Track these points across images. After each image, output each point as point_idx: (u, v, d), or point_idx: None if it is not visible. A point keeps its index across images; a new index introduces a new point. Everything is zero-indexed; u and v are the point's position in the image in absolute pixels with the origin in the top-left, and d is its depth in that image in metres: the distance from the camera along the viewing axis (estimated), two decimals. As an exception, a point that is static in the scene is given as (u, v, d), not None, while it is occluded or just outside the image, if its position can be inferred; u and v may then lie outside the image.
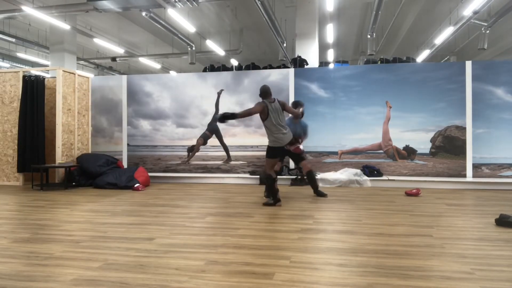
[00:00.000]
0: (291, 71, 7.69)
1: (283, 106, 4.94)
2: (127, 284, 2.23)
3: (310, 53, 10.27)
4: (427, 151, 7.12)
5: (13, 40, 13.46)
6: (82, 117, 7.65)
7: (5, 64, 17.61)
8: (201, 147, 8.01)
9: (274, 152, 4.89)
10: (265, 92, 4.84)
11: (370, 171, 7.00)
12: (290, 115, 5.61)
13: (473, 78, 6.93)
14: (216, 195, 5.86)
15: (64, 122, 7.09)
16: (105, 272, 2.43)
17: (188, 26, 12.08)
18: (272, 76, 7.75)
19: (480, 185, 6.50)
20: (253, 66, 8.39)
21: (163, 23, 11.07)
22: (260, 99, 4.88)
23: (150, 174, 7.43)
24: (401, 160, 7.21)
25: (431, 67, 7.18)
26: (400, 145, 7.22)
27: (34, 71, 9.81)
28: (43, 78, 7.38)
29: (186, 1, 8.36)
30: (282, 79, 7.68)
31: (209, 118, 7.99)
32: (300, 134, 5.76)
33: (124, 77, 8.39)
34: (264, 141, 7.85)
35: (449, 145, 7.03)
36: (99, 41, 13.96)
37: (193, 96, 8.05)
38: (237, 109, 7.86)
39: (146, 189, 6.60)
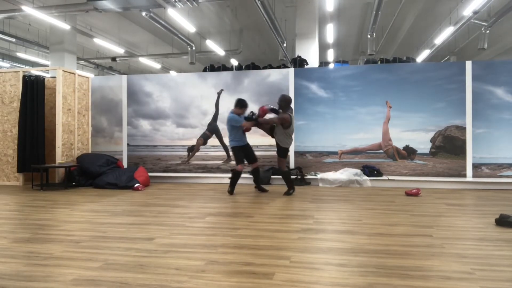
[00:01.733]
0: (291, 71, 7.69)
1: None
2: (127, 284, 2.23)
3: (310, 53, 10.27)
4: (427, 151, 7.12)
5: (13, 40, 13.46)
6: (82, 117, 7.65)
7: (5, 64, 17.61)
8: (201, 147, 8.01)
9: (287, 152, 5.72)
10: (289, 103, 5.62)
11: (370, 171, 7.00)
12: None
13: (473, 78, 6.93)
14: (216, 195, 5.86)
15: (64, 122, 7.09)
16: (105, 272, 2.43)
17: (188, 26, 12.07)
18: (272, 76, 7.75)
19: (480, 185, 6.50)
20: (253, 66, 8.38)
21: (163, 23, 11.07)
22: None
23: (150, 174, 7.43)
24: (401, 160, 7.21)
25: (431, 67, 7.17)
26: (400, 145, 7.22)
27: (34, 71, 9.81)
28: (43, 78, 7.38)
29: (186, 1, 8.36)
30: (282, 79, 7.68)
31: (209, 118, 7.99)
32: None
33: (124, 77, 8.39)
34: (264, 141, 7.85)
35: (449, 145, 7.03)
36: (99, 41, 13.96)
37: (193, 96, 8.05)
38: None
39: (146, 189, 6.60)
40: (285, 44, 12.97)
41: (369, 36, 11.87)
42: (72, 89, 7.35)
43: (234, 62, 16.48)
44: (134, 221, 3.95)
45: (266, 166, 7.56)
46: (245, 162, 5.93)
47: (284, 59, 14.11)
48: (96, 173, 6.88)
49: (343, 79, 7.44)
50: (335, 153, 7.45)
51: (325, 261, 2.64)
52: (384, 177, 6.92)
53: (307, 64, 8.70)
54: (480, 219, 4.00)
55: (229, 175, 6.80)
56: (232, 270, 2.46)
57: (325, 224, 3.78)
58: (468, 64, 6.97)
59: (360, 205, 4.89)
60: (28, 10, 9.72)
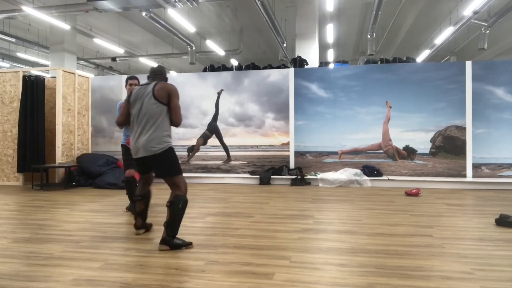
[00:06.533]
0: (291, 71, 7.69)
1: None
2: (127, 284, 2.23)
3: (310, 53, 10.26)
4: (427, 151, 7.11)
5: (13, 40, 13.44)
6: (82, 117, 7.64)
7: (5, 64, 17.59)
8: (201, 147, 8.00)
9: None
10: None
11: (370, 171, 7.00)
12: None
13: (473, 78, 6.93)
14: (216, 195, 5.86)
15: (64, 122, 7.09)
16: (105, 272, 2.43)
17: (188, 26, 12.07)
18: (272, 76, 7.75)
19: (480, 185, 6.50)
20: (253, 66, 8.38)
21: (163, 23, 11.06)
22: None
23: (150, 174, 7.42)
24: (401, 160, 7.20)
25: (431, 67, 7.17)
26: (400, 145, 7.22)
27: (34, 71, 9.81)
28: (43, 78, 7.38)
29: (186, 1, 8.35)
30: (282, 79, 7.68)
31: (209, 118, 7.98)
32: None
33: (124, 77, 8.39)
34: (264, 141, 7.84)
35: (449, 145, 7.03)
36: (99, 41, 13.95)
37: (193, 96, 8.05)
38: (237, 109, 7.86)
39: (146, 189, 6.58)
40: (285, 44, 12.96)
41: (369, 36, 11.85)
42: (72, 89, 7.35)
43: (234, 62, 16.47)
44: (134, 221, 3.94)
45: (266, 166, 7.57)
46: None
47: (284, 59, 14.09)
48: (96, 173, 6.88)
49: (343, 79, 7.43)
50: (335, 153, 7.45)
51: (325, 261, 2.64)
52: (384, 177, 6.91)
53: (307, 64, 8.70)
54: (480, 219, 4.00)
55: (230, 175, 6.13)
56: (232, 270, 2.45)
57: (325, 224, 3.78)
58: (468, 64, 6.97)
59: (360, 205, 4.89)
60: (28, 10, 9.71)
